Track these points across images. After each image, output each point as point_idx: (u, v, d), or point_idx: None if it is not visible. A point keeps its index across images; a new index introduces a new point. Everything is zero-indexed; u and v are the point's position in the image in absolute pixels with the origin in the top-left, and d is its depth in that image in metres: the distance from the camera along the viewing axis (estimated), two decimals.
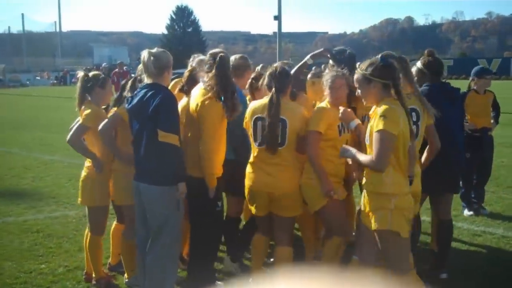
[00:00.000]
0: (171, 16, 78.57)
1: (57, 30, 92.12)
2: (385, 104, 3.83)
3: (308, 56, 5.43)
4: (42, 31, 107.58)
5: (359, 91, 4.02)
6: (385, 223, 3.84)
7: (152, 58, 4.34)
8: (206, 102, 4.48)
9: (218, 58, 4.50)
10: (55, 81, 59.81)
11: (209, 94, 4.48)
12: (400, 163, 3.86)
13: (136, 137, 4.46)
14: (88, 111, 4.96)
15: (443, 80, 5.62)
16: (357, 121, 4.57)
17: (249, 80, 5.28)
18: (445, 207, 5.45)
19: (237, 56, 5.56)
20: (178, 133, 4.30)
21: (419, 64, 5.43)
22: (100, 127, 4.80)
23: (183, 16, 78.50)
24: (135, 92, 4.54)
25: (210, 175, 4.51)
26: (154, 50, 4.45)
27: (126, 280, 5.21)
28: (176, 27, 78.43)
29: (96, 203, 5.10)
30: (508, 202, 8.12)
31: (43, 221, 7.25)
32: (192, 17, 79.05)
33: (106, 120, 4.85)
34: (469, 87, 7.58)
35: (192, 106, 4.60)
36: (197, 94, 4.60)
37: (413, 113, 4.27)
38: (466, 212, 7.46)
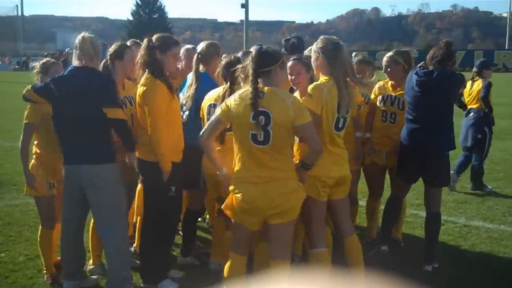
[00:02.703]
0: (137, 2, 77.49)
1: (19, 14, 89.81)
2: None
3: None
4: (3, 15, 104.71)
5: None
6: None
7: (91, 42, 4.45)
8: (150, 83, 4.47)
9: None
10: (16, 66, 58.44)
11: (150, 76, 4.49)
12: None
13: (67, 120, 4.40)
14: (28, 108, 4.81)
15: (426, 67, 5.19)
16: None
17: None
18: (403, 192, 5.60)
19: (207, 42, 5.47)
20: (122, 107, 4.57)
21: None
22: None
23: (148, 2, 77.51)
24: (63, 74, 4.53)
25: (161, 156, 4.45)
26: (91, 35, 4.55)
27: (91, 267, 5.08)
28: (141, 13, 77.41)
29: (36, 192, 4.92)
30: (470, 191, 8.28)
31: (3, 209, 7.10)
32: (158, 3, 78.14)
33: None
34: (473, 78, 8.22)
35: (139, 90, 4.56)
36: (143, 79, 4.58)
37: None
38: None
